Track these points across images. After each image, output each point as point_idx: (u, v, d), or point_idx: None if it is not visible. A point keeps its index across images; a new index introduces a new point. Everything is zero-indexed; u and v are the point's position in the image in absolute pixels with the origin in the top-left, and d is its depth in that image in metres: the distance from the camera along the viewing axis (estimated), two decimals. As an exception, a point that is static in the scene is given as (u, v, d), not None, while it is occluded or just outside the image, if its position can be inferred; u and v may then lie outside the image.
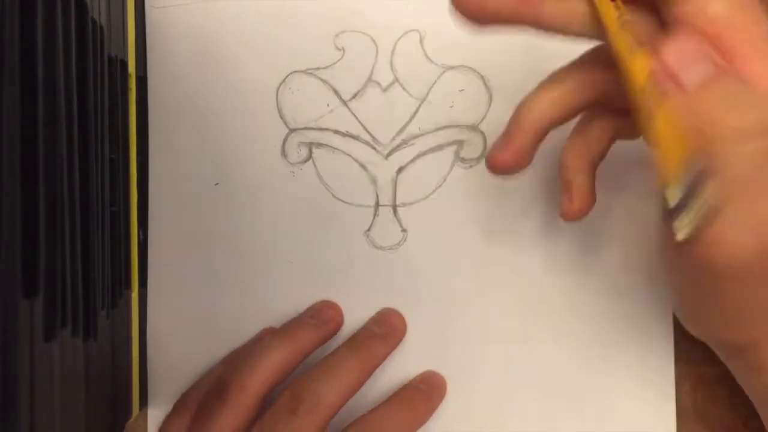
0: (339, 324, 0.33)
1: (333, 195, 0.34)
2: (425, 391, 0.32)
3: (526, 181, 0.33)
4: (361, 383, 0.31)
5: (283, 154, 0.34)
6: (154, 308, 0.34)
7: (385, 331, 0.32)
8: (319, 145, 0.34)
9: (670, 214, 0.21)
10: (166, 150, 0.34)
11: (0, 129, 0.19)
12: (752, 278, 0.22)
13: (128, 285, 0.32)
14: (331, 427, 0.30)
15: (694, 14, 0.22)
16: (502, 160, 0.26)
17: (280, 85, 0.34)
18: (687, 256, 0.22)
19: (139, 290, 0.33)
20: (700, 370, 0.33)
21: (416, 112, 0.33)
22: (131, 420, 0.32)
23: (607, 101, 0.26)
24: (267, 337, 0.32)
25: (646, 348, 0.33)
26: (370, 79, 0.34)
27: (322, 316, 0.32)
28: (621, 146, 0.28)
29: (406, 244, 0.34)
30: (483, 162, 0.33)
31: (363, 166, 0.34)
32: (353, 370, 0.31)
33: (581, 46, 0.35)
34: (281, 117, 0.34)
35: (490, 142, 0.33)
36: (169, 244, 0.34)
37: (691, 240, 0.21)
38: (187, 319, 0.33)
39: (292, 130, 0.34)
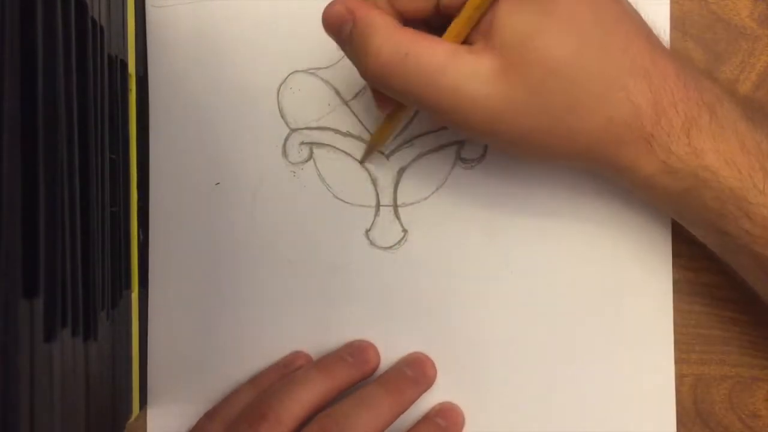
0: (376, 366, 0.33)
1: (334, 195, 0.34)
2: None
3: (526, 181, 0.33)
4: (389, 424, 0.30)
5: (284, 153, 0.34)
6: (154, 308, 0.34)
7: (417, 375, 0.32)
8: (320, 145, 0.34)
9: None
10: (166, 150, 0.34)
11: (0, 129, 0.19)
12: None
13: (128, 285, 0.32)
14: None
15: None
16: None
17: (281, 84, 0.34)
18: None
19: (139, 290, 0.33)
20: (700, 370, 0.33)
21: (417, 112, 0.33)
22: (131, 420, 0.32)
23: None
24: (305, 368, 0.32)
25: (646, 348, 0.33)
26: (370, 79, 0.34)
27: (361, 357, 0.32)
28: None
29: (406, 244, 0.34)
30: (484, 162, 0.33)
31: (364, 166, 0.34)
32: (384, 411, 0.30)
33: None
34: (282, 117, 0.34)
35: (491, 142, 0.33)
36: (169, 244, 0.34)
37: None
38: (187, 319, 0.33)
39: (293, 130, 0.34)
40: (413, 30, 0.26)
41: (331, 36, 0.27)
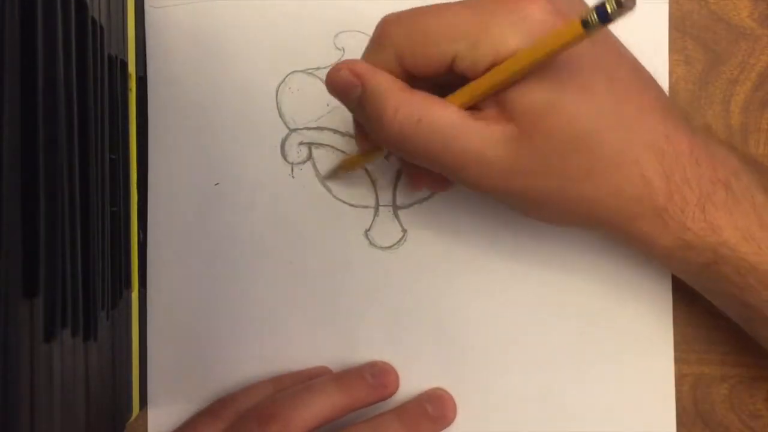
0: (393, 392, 0.33)
1: (333, 195, 0.34)
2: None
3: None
4: None
5: (283, 154, 0.34)
6: (154, 308, 0.34)
7: (437, 414, 0.32)
8: (319, 145, 0.34)
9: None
10: (166, 150, 0.34)
11: (0, 129, 0.19)
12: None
13: (128, 285, 0.32)
14: None
15: None
16: None
17: (280, 85, 0.34)
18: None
19: (139, 290, 0.33)
20: (700, 370, 0.33)
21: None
22: (131, 420, 0.32)
23: None
24: (324, 379, 0.32)
25: (646, 348, 0.33)
26: (370, 79, 0.34)
27: (382, 380, 0.32)
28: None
29: (406, 244, 0.34)
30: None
31: (364, 167, 0.34)
32: None
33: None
34: (281, 117, 0.34)
35: (490, 142, 0.33)
36: (169, 244, 0.34)
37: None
38: (187, 319, 0.33)
39: (291, 130, 0.34)
40: (424, 94, 0.26)
41: (337, 98, 0.28)
